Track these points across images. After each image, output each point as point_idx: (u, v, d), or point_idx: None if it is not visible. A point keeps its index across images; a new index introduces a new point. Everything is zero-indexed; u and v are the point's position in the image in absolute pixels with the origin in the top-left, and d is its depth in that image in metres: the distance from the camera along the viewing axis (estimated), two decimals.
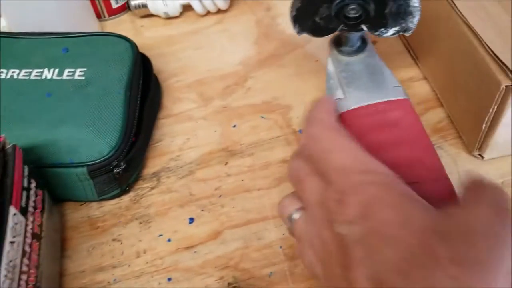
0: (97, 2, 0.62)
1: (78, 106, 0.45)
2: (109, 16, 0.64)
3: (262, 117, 0.52)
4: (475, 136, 0.44)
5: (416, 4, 0.42)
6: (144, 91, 0.51)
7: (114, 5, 0.63)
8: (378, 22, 0.41)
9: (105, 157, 0.43)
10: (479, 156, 0.46)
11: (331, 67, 0.46)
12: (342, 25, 0.42)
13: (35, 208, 0.39)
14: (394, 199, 0.30)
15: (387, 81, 0.42)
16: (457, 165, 0.46)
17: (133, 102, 0.47)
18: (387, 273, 0.28)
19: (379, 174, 0.32)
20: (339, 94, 0.43)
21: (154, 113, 0.52)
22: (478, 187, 0.31)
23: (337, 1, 0.43)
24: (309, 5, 0.43)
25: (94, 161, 0.43)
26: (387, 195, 0.31)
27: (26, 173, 0.39)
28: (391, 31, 0.41)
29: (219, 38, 0.61)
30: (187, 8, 0.64)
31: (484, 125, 0.42)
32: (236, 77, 0.57)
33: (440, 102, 0.51)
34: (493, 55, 0.40)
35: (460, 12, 0.44)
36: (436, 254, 0.28)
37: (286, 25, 0.62)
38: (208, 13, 0.64)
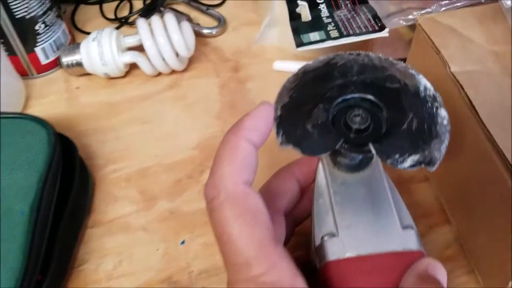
0: (20, 57, 0.49)
1: None
2: (38, 73, 0.51)
3: None
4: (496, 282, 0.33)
5: (445, 123, 0.29)
6: (65, 191, 0.39)
7: (44, 60, 0.50)
8: (391, 143, 0.29)
9: None
10: None
11: (321, 178, 0.33)
12: (343, 139, 0.29)
13: None
14: None
15: (395, 217, 0.30)
16: None
17: (41, 226, 0.35)
18: None
19: (267, 284, 0.28)
20: (329, 225, 0.31)
21: (79, 222, 0.40)
22: None
23: (338, 100, 0.31)
24: (300, 103, 0.30)
25: None
26: None
27: None
28: (409, 161, 0.28)
29: (173, 108, 0.49)
30: (134, 65, 0.51)
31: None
32: (191, 166, 0.44)
33: (447, 215, 0.40)
34: None
35: (484, 124, 0.32)
36: None
37: (258, 91, 0.50)
38: (161, 73, 0.51)
